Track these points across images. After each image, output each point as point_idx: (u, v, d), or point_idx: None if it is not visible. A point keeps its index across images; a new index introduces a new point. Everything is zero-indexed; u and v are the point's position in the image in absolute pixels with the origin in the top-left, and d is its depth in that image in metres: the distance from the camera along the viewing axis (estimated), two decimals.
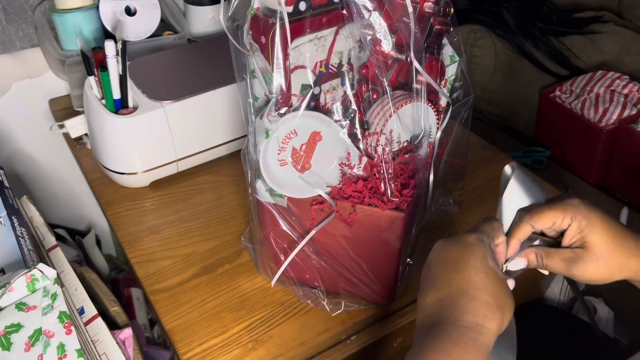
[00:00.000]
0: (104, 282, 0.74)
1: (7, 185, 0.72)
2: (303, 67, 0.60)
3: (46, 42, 0.93)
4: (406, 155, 0.63)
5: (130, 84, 0.82)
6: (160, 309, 0.71)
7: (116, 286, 1.10)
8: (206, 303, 0.72)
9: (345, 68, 0.63)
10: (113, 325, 0.69)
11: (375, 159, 0.61)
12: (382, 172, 0.60)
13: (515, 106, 1.34)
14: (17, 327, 0.53)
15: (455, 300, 0.46)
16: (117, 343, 0.63)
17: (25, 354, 0.52)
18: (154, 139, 0.82)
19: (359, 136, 0.61)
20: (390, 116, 0.60)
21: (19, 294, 0.54)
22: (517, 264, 0.54)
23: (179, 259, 0.78)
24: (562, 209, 0.52)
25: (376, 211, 0.61)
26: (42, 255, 0.71)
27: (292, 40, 0.56)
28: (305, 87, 0.61)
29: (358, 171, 0.62)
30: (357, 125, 0.61)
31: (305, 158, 0.61)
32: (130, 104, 0.83)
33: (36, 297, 0.55)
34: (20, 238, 0.65)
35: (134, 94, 0.83)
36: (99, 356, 0.62)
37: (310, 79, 0.60)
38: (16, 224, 0.67)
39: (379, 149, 0.61)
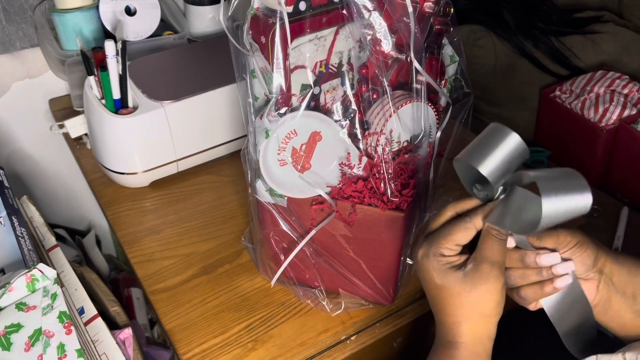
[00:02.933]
0: (104, 282, 0.74)
1: (7, 185, 0.72)
2: (303, 67, 0.60)
3: (46, 42, 0.93)
4: (406, 155, 0.63)
5: (130, 84, 0.82)
6: (160, 309, 0.71)
7: (116, 286, 1.10)
8: (206, 303, 0.72)
9: (345, 68, 0.63)
10: (113, 325, 0.69)
11: (375, 159, 0.61)
12: (382, 172, 0.60)
13: (516, 106, 1.34)
14: (17, 327, 0.53)
15: (436, 323, 0.55)
16: (117, 343, 0.63)
17: (25, 354, 0.52)
18: (154, 139, 0.82)
19: (359, 136, 0.61)
20: (390, 116, 0.60)
21: (19, 293, 0.54)
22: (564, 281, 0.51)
23: (179, 259, 0.78)
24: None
25: (376, 211, 0.61)
26: (42, 255, 0.71)
27: (292, 40, 0.56)
28: (305, 87, 0.61)
29: (358, 171, 0.62)
30: (357, 125, 0.61)
31: (305, 158, 0.61)
32: (130, 104, 0.84)
33: (36, 297, 0.54)
34: (20, 238, 0.65)
35: (134, 94, 0.83)
36: (99, 356, 0.62)
37: (310, 79, 0.60)
38: (16, 224, 0.67)
39: (379, 149, 0.61)
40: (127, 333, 0.66)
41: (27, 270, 0.55)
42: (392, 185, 0.60)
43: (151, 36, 0.95)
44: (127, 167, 0.84)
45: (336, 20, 0.59)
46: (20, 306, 0.54)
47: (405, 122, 0.62)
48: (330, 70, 0.62)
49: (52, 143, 1.12)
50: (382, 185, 0.60)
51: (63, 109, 1.05)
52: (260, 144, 0.59)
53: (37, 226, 0.76)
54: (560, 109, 1.22)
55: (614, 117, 1.14)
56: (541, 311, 0.55)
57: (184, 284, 0.74)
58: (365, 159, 0.61)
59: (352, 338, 0.69)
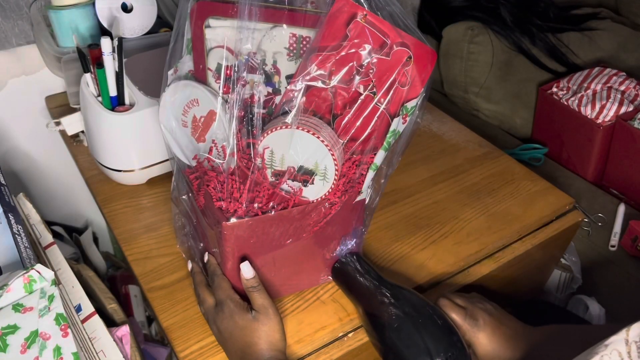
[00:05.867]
0: (101, 280, 0.74)
1: (3, 182, 0.72)
2: (221, 47, 0.59)
3: (42, 39, 0.92)
4: (289, 184, 0.60)
5: (126, 81, 0.82)
6: (158, 306, 0.71)
7: (113, 283, 1.10)
8: None
9: (269, 69, 0.61)
10: (110, 323, 0.68)
11: (237, 161, 0.60)
12: (234, 174, 0.59)
13: (513, 103, 1.34)
14: (13, 328, 0.52)
15: None
16: (115, 340, 0.63)
17: (21, 356, 0.52)
18: (151, 136, 0.82)
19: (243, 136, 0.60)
20: (267, 133, 0.58)
21: (16, 295, 0.54)
22: None
23: (176, 256, 0.77)
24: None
25: (212, 204, 0.60)
26: (39, 253, 0.71)
27: (205, 16, 0.58)
28: (220, 67, 0.61)
29: (222, 160, 0.61)
30: (248, 125, 0.59)
31: (202, 131, 0.61)
32: (127, 101, 0.83)
33: (33, 298, 0.54)
34: (16, 236, 0.65)
35: (131, 91, 0.83)
36: (97, 354, 0.62)
37: (226, 60, 0.59)
38: (12, 221, 0.66)
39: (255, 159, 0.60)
40: (124, 330, 0.66)
41: (24, 271, 0.55)
42: (235, 190, 0.59)
43: (148, 33, 0.94)
44: (123, 164, 0.84)
45: (271, 18, 0.58)
46: (17, 307, 0.53)
47: (282, 147, 0.59)
48: (249, 63, 0.60)
49: (48, 140, 1.11)
50: (229, 185, 0.59)
51: (59, 106, 1.05)
52: (164, 91, 0.62)
53: (33, 224, 0.76)
54: (557, 106, 1.22)
55: (611, 113, 1.14)
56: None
57: (182, 281, 0.74)
58: (228, 154, 0.59)
59: (350, 335, 0.69)
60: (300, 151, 0.58)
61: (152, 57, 0.90)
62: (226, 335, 0.63)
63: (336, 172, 0.59)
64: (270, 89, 0.62)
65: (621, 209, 1.11)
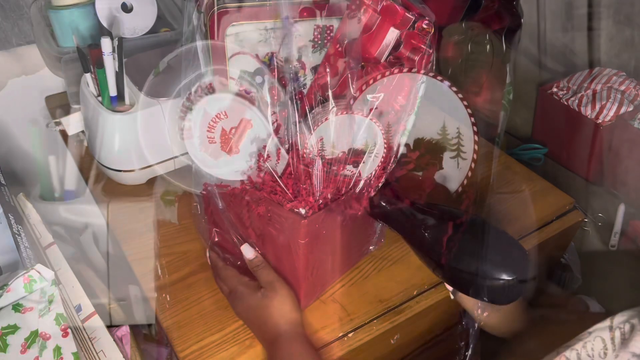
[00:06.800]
0: (101, 279, 0.74)
1: (3, 182, 0.72)
2: (244, 53, 0.60)
3: (42, 39, 0.93)
4: (348, 169, 0.61)
5: (126, 80, 0.82)
6: (158, 306, 0.71)
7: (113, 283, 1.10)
8: (203, 300, 0.72)
9: (295, 65, 0.62)
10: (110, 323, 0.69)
11: (294, 160, 0.60)
12: (292, 173, 0.60)
13: (513, 103, 1.34)
14: (13, 328, 0.52)
15: (258, 338, 0.67)
16: (115, 340, 0.63)
17: (21, 356, 0.52)
18: (151, 136, 0.82)
19: (284, 134, 0.61)
20: (320, 123, 0.59)
21: (16, 294, 0.54)
22: None
23: (176, 256, 0.78)
24: None
25: (281, 209, 0.60)
26: (39, 253, 0.71)
27: (227, 25, 0.57)
28: (244, 74, 0.61)
29: (274, 165, 0.61)
30: (286, 123, 0.60)
31: (235, 142, 0.61)
32: (127, 101, 0.83)
33: (33, 298, 0.54)
34: (16, 236, 0.65)
35: (131, 91, 0.83)
36: (97, 353, 0.62)
37: (251, 66, 0.60)
38: (12, 221, 0.67)
39: (306, 152, 0.60)
40: (124, 330, 0.66)
41: (24, 271, 0.55)
42: (302, 188, 0.59)
43: (148, 33, 0.95)
44: (124, 164, 0.84)
45: (295, 14, 0.59)
46: (17, 307, 0.53)
47: (339, 132, 0.60)
48: (278, 64, 0.61)
49: (48, 140, 1.11)
50: (293, 185, 0.60)
51: (59, 106, 1.05)
52: (186, 118, 0.61)
53: (34, 224, 0.76)
54: (557, 106, 1.22)
55: (611, 113, 1.14)
56: None
57: (181, 281, 0.74)
58: (285, 156, 0.60)
59: (350, 335, 0.69)
60: (354, 134, 0.60)
61: (152, 57, 0.90)
62: (245, 317, 0.67)
63: (385, 147, 0.61)
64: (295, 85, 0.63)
65: (621, 209, 1.11)
